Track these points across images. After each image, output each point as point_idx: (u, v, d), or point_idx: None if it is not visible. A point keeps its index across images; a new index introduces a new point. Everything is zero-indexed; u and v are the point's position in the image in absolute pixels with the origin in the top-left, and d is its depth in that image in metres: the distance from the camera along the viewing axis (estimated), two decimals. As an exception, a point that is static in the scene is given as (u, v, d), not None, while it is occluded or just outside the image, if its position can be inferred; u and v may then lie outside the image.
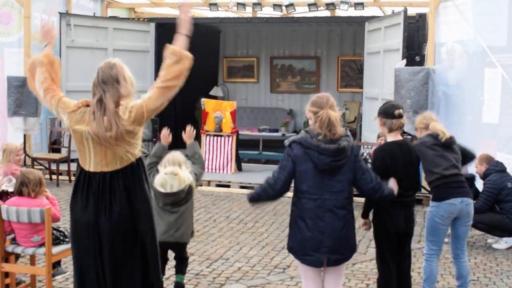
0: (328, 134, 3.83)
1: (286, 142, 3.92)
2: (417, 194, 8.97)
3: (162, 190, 4.85)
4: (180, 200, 4.92)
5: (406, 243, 4.64)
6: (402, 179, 4.36)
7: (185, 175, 4.87)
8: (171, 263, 5.29)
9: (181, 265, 5.16)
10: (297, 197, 3.91)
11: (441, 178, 4.92)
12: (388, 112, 4.56)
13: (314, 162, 3.80)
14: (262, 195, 4.02)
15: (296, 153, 3.85)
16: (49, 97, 3.55)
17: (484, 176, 6.82)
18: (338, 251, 3.87)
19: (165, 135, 5.20)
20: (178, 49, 3.50)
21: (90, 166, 3.49)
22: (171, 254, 5.18)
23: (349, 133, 3.95)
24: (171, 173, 4.83)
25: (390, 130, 4.57)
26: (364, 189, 3.97)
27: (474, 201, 6.71)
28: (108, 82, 3.42)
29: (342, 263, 3.96)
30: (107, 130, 3.37)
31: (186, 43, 3.56)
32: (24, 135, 10.44)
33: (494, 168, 6.80)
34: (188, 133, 5.22)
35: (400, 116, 4.53)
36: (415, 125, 5.35)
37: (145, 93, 3.57)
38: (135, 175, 3.53)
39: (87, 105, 3.55)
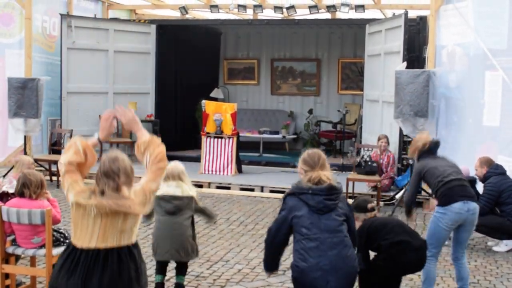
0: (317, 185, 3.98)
1: (281, 198, 4.07)
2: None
3: (165, 194, 4.95)
4: (183, 207, 4.97)
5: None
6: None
7: (188, 187, 5.07)
8: (172, 264, 5.29)
9: (181, 269, 5.19)
10: (297, 240, 3.95)
11: (444, 183, 5.00)
12: (360, 207, 4.73)
13: (309, 205, 3.91)
14: (269, 256, 4.09)
15: (291, 204, 3.97)
16: (67, 176, 3.61)
17: (484, 179, 6.83)
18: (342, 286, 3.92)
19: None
20: (141, 141, 3.62)
21: (84, 241, 3.49)
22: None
23: (340, 186, 4.07)
24: (174, 186, 5.03)
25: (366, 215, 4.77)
26: None
27: None
28: (109, 176, 3.52)
29: None
30: (118, 206, 3.47)
31: (141, 131, 3.68)
32: (25, 136, 10.45)
33: (494, 171, 6.81)
34: None
35: (372, 209, 4.76)
36: (410, 154, 5.50)
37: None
38: (131, 256, 3.53)
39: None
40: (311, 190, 3.92)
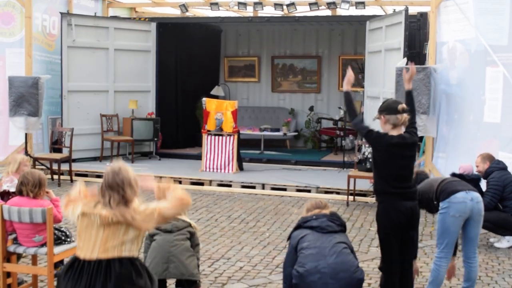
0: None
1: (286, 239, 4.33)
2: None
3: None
4: (182, 227, 4.86)
5: (409, 237, 4.55)
6: (400, 174, 4.45)
7: (187, 219, 4.98)
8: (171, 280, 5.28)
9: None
10: (299, 255, 4.06)
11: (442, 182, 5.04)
12: (391, 108, 4.55)
13: (313, 227, 4.08)
14: None
15: (295, 235, 4.16)
16: (71, 207, 3.64)
17: (486, 175, 6.82)
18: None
19: None
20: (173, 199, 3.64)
21: (87, 252, 3.53)
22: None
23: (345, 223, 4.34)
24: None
25: (394, 126, 4.54)
26: None
27: None
28: (114, 188, 3.55)
29: None
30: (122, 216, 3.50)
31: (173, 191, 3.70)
32: (26, 135, 10.45)
33: (496, 166, 6.80)
34: None
35: (404, 110, 4.52)
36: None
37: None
38: (133, 268, 3.55)
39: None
40: (314, 215, 4.15)
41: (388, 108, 4.57)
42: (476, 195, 4.90)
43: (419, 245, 6.75)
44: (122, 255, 3.52)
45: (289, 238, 4.23)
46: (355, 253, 4.17)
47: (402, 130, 4.56)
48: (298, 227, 4.18)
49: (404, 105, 4.56)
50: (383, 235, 4.52)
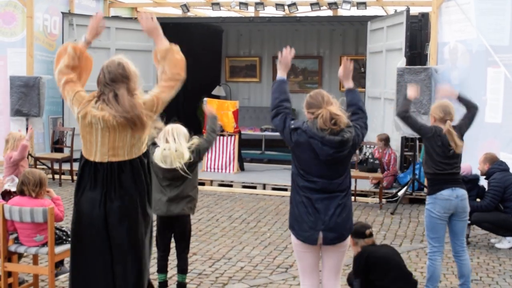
0: (333, 127, 3.77)
1: (292, 125, 3.87)
2: (420, 194, 9.02)
3: (162, 165, 4.77)
4: (180, 176, 4.83)
5: None
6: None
7: (185, 152, 4.79)
8: (173, 262, 5.29)
9: (181, 261, 5.08)
10: (296, 176, 3.92)
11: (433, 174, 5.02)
12: (358, 232, 4.71)
13: (316, 152, 3.78)
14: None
15: (299, 140, 3.82)
16: (68, 87, 3.56)
17: (487, 175, 6.81)
18: (334, 230, 3.85)
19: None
20: (160, 48, 3.62)
21: (96, 156, 3.50)
22: (172, 254, 5.18)
23: (351, 123, 3.89)
24: (170, 149, 4.76)
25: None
26: None
27: (481, 200, 6.72)
28: (118, 80, 3.46)
29: (339, 242, 3.91)
30: (127, 112, 3.41)
31: (161, 39, 3.68)
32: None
33: (498, 167, 6.80)
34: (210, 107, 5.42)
35: (371, 235, 4.76)
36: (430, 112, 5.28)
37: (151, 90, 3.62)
38: (141, 168, 3.56)
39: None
40: (322, 140, 3.73)
41: (355, 233, 4.66)
42: (462, 192, 4.95)
43: (420, 245, 6.77)
44: (133, 157, 3.51)
45: (295, 130, 3.83)
46: (358, 133, 3.92)
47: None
48: (304, 132, 3.79)
49: (371, 230, 4.81)
50: None
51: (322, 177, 3.83)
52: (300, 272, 4.09)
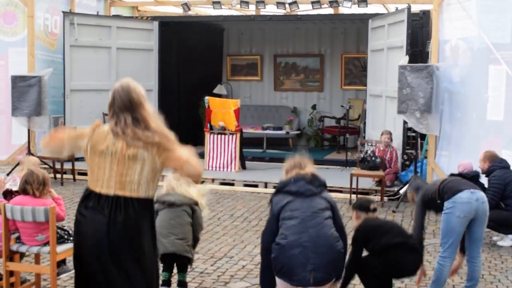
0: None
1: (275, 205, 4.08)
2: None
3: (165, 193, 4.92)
4: (185, 203, 4.92)
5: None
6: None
7: (192, 191, 4.96)
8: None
9: (183, 267, 5.11)
10: (281, 225, 3.98)
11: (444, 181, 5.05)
12: (363, 206, 4.71)
13: (292, 192, 3.97)
14: (266, 268, 4.05)
15: (276, 200, 4.05)
16: (67, 144, 3.52)
17: (488, 173, 6.80)
18: (323, 270, 3.88)
19: None
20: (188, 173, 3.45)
21: (103, 187, 3.38)
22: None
23: (324, 179, 4.16)
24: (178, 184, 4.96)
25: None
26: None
27: None
28: (132, 107, 3.37)
29: (327, 282, 3.95)
30: (136, 138, 3.33)
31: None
32: (28, 134, 10.47)
33: (498, 164, 6.78)
34: None
35: (374, 210, 4.71)
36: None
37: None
38: (148, 209, 3.48)
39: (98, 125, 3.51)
40: (293, 179, 4.00)
41: (360, 206, 4.71)
42: (481, 195, 4.87)
43: (429, 241, 6.76)
44: (140, 195, 3.38)
45: (270, 201, 4.09)
46: (338, 213, 4.09)
47: None
48: (278, 191, 4.06)
49: (375, 205, 4.78)
50: None
51: (305, 211, 3.97)
52: None
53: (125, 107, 3.35)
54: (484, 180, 6.98)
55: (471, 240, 4.96)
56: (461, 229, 4.83)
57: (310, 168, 4.12)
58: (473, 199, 4.79)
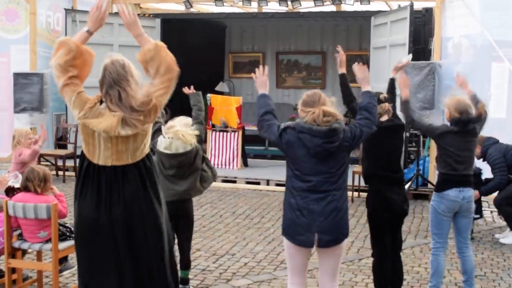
0: (324, 124, 3.79)
1: (282, 126, 3.93)
2: (424, 189, 8.99)
3: (167, 151, 4.76)
4: (188, 162, 4.80)
5: (400, 224, 4.84)
6: (389, 159, 4.74)
7: (190, 137, 4.77)
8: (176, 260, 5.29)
9: (184, 255, 5.07)
10: (290, 178, 3.94)
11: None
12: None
13: (307, 147, 3.78)
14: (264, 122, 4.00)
15: (289, 138, 3.85)
16: (68, 89, 3.45)
17: (482, 155, 6.84)
18: (329, 232, 3.81)
19: None
20: (145, 49, 3.47)
21: (99, 159, 3.43)
22: (175, 250, 5.18)
23: (342, 118, 3.93)
24: (175, 136, 4.75)
25: (380, 115, 4.71)
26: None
27: (490, 182, 6.68)
28: (123, 80, 3.39)
29: (334, 245, 3.87)
30: (134, 110, 3.34)
31: (143, 36, 3.52)
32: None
33: (488, 143, 6.87)
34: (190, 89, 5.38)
35: (385, 100, 4.75)
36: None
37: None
38: (147, 169, 3.52)
39: (101, 100, 3.49)
40: (310, 131, 3.77)
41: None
42: (469, 194, 4.90)
43: (424, 241, 6.76)
44: (137, 160, 3.44)
45: (284, 130, 3.91)
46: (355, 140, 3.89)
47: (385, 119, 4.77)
48: (293, 129, 3.86)
49: (385, 95, 4.80)
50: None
51: (316, 175, 3.80)
52: (289, 271, 4.06)
53: (115, 82, 3.38)
54: (484, 167, 6.97)
55: (456, 231, 5.03)
56: (447, 221, 4.94)
57: (329, 106, 3.88)
58: (460, 198, 4.86)
